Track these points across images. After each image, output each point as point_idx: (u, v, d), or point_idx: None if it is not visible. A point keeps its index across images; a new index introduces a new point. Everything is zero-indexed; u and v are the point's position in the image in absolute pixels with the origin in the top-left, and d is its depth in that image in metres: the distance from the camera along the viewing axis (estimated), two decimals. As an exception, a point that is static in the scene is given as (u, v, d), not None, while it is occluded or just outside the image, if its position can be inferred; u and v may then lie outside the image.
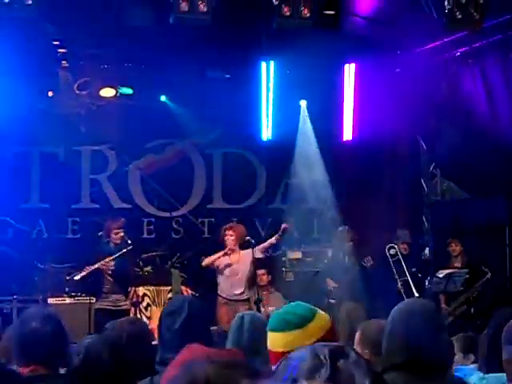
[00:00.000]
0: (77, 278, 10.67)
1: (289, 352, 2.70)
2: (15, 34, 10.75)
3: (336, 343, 2.24)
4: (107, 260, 10.58)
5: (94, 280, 10.73)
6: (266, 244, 11.23)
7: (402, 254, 11.51)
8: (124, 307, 10.86)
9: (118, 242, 10.77)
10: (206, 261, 11.28)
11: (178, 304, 4.21)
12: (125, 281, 11.01)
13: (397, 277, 11.30)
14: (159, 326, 4.24)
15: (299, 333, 3.08)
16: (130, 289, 11.67)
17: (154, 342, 4.78)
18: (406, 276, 11.27)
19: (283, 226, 11.22)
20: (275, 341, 3.13)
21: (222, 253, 11.07)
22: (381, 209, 12.95)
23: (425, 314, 3.44)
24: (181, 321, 3.99)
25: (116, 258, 10.58)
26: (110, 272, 10.65)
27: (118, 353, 4.14)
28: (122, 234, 10.82)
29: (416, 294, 10.92)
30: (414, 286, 11.14)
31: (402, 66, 12.36)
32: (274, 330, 3.15)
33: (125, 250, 10.68)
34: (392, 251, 11.47)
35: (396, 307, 3.51)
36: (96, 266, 10.56)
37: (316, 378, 1.40)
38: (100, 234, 11.40)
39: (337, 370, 1.40)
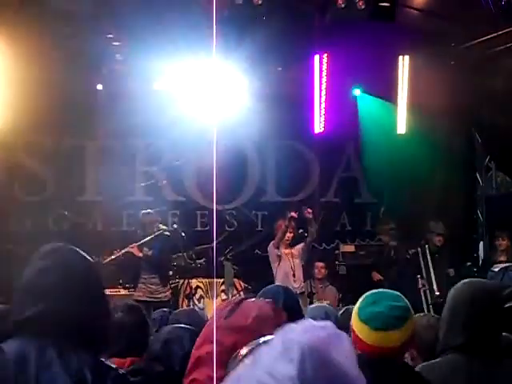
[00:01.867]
0: (105, 261, 10.80)
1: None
2: (72, 28, 10.90)
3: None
4: (134, 245, 10.74)
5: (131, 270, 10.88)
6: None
7: (436, 246, 11.30)
8: (163, 299, 10.93)
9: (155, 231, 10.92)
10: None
11: (273, 292, 4.22)
12: (161, 269, 11.06)
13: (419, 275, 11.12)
14: None
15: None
16: (182, 281, 11.77)
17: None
18: (430, 273, 11.04)
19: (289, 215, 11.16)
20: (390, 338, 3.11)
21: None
22: (434, 202, 12.87)
23: (489, 295, 3.41)
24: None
25: (145, 243, 10.74)
26: (146, 259, 10.79)
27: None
28: (158, 225, 10.96)
29: (436, 293, 10.79)
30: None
31: (456, 58, 12.22)
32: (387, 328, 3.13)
33: (153, 236, 10.82)
34: (423, 248, 11.28)
35: (457, 287, 3.48)
36: (124, 250, 10.69)
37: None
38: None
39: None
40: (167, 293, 11.08)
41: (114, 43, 11.64)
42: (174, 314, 5.65)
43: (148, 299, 10.65)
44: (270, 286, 4.27)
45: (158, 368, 3.81)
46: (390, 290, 3.34)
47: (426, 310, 10.54)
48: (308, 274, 11.60)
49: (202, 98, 11.80)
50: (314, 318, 1.71)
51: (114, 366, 2.61)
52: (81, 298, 2.55)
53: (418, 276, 11.02)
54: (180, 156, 13.21)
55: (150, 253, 10.79)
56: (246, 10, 9.81)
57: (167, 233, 11.15)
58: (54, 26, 10.72)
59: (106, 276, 11.97)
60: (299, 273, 11.21)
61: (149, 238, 10.80)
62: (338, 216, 13.88)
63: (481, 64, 11.94)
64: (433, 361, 3.49)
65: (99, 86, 12.29)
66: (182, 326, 4.39)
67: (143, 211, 11.32)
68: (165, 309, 6.18)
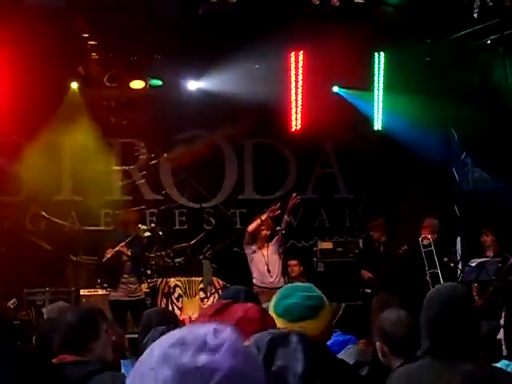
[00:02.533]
0: (104, 259, 10.73)
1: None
2: (46, 25, 10.85)
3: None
4: (123, 244, 10.68)
5: (112, 271, 10.85)
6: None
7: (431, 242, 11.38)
8: (141, 297, 10.98)
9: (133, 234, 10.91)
10: (250, 227, 11.30)
11: (234, 292, 4.24)
12: (139, 268, 11.08)
13: (427, 268, 11.19)
14: None
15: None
16: (160, 279, 11.76)
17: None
18: (436, 267, 11.13)
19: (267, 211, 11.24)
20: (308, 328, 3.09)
21: (259, 220, 11.11)
22: (412, 198, 12.93)
23: (452, 298, 3.42)
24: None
25: (129, 242, 10.70)
26: (127, 258, 10.76)
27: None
28: (140, 225, 10.98)
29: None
30: (445, 276, 11.03)
31: (431, 54, 12.26)
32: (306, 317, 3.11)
33: (134, 236, 10.83)
34: (425, 241, 11.34)
35: (430, 292, 3.52)
36: (117, 248, 10.65)
37: None
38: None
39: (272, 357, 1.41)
40: (142, 291, 11.11)
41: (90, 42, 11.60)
42: (146, 315, 5.65)
43: (128, 299, 10.72)
44: (232, 287, 4.31)
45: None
46: (302, 283, 3.37)
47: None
48: (285, 270, 11.61)
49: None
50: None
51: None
52: None
53: (426, 269, 11.05)
54: (157, 154, 13.20)
55: (129, 252, 10.76)
56: (220, 7, 9.77)
57: (147, 233, 11.14)
58: (28, 23, 10.66)
59: (85, 276, 12.02)
60: (275, 267, 11.23)
61: (130, 237, 10.76)
62: (316, 213, 13.91)
63: (456, 60, 11.99)
64: (408, 365, 3.51)
65: (73, 84, 12.19)
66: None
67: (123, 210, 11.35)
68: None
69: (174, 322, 5.30)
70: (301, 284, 3.36)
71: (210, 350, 1.31)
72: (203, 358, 1.30)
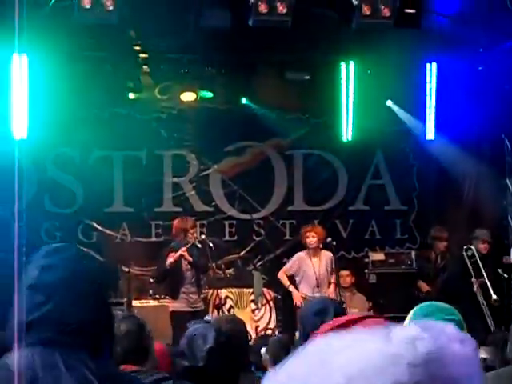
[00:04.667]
0: (168, 263, 10.65)
1: None
2: (98, 39, 10.97)
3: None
4: (184, 249, 10.60)
5: (173, 281, 10.80)
6: None
7: (481, 253, 11.17)
8: (200, 308, 10.93)
9: (193, 241, 10.84)
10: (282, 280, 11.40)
11: (324, 304, 4.21)
12: (199, 275, 11.00)
13: (474, 279, 10.98)
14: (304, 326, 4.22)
15: None
16: (211, 291, 11.76)
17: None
18: (483, 277, 10.92)
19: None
20: None
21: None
22: (464, 209, 12.79)
23: None
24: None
25: (189, 248, 10.64)
26: (187, 266, 10.70)
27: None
28: (195, 233, 10.89)
29: (494, 296, 10.67)
30: (495, 287, 10.83)
31: (484, 63, 12.13)
32: None
33: (200, 239, 10.78)
34: (469, 252, 11.15)
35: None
36: (179, 252, 10.57)
37: None
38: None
39: None
40: (201, 302, 11.08)
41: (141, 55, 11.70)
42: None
43: (189, 309, 10.66)
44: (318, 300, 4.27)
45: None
46: (441, 303, 3.27)
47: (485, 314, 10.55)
48: (335, 282, 11.53)
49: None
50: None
51: (123, 370, 2.51)
52: (87, 300, 2.35)
53: (473, 279, 10.88)
54: (207, 166, 13.28)
55: (190, 258, 10.73)
56: (270, 18, 9.78)
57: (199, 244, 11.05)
58: (80, 38, 10.80)
59: (137, 287, 12.07)
60: (324, 282, 11.19)
61: (189, 244, 10.72)
62: (367, 224, 13.81)
63: (509, 69, 11.84)
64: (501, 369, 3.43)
65: (131, 96, 12.30)
66: (208, 323, 4.41)
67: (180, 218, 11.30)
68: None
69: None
70: (441, 304, 3.28)
71: None
72: None
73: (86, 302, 2.33)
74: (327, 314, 3.98)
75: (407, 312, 3.29)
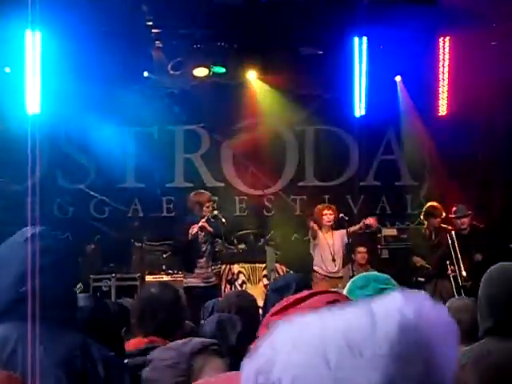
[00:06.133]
0: (191, 235, 10.43)
1: None
2: (110, 15, 10.94)
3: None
4: (204, 220, 10.42)
5: (189, 254, 10.74)
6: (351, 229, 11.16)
7: (461, 229, 11.07)
8: (214, 282, 10.86)
9: (209, 214, 10.71)
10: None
11: (286, 280, 4.26)
12: (215, 252, 10.94)
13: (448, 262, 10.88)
14: (265, 303, 4.29)
15: None
16: (224, 266, 11.78)
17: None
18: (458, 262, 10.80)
19: (368, 222, 11.09)
20: None
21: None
22: (476, 186, 12.79)
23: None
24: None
25: (207, 220, 10.51)
26: (203, 240, 10.56)
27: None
28: (211, 207, 10.79)
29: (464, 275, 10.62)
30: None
31: (498, 38, 12.08)
32: None
33: (216, 213, 10.64)
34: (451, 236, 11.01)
35: (488, 271, 3.42)
36: (200, 224, 10.38)
37: None
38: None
39: None
40: (215, 277, 11.03)
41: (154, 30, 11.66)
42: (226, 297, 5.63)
43: (204, 284, 10.54)
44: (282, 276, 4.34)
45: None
46: (376, 273, 3.31)
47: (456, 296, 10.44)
48: (348, 257, 11.53)
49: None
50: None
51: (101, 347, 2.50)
52: (69, 278, 2.48)
53: (448, 262, 10.83)
54: (219, 142, 13.30)
55: (210, 229, 10.56)
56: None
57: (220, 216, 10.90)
58: (92, 13, 10.77)
59: (150, 263, 12.12)
60: (339, 257, 11.21)
61: (207, 216, 10.62)
62: (378, 199, 13.83)
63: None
64: (469, 346, 3.44)
65: (145, 73, 12.26)
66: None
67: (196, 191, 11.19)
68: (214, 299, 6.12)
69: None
70: (377, 274, 3.33)
71: None
72: None
73: (69, 279, 2.39)
74: (288, 291, 4.04)
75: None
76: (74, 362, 2.35)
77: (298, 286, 4.14)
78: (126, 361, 3.30)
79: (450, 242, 10.72)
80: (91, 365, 2.36)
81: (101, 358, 2.43)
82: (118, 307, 5.25)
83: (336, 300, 2.22)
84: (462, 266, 10.57)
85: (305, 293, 2.27)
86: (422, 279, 11.13)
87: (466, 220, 11.00)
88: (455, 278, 10.62)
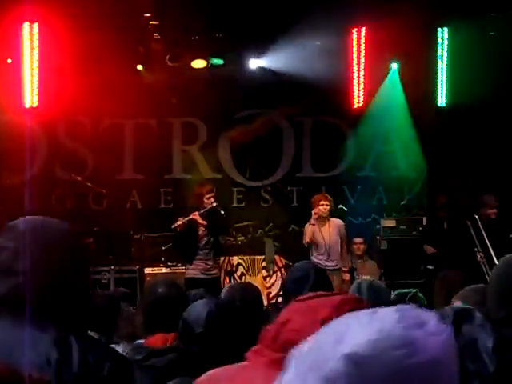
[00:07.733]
0: (173, 226, 10.57)
1: None
2: (108, 6, 10.91)
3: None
4: (196, 213, 10.48)
5: (189, 246, 10.73)
6: None
7: (488, 220, 11.14)
8: (215, 275, 10.87)
9: (210, 206, 10.71)
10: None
11: (303, 271, 4.26)
12: (215, 244, 10.84)
13: (477, 248, 10.91)
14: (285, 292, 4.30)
15: None
16: (223, 258, 11.79)
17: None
18: (487, 247, 10.85)
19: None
20: None
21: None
22: (473, 176, 12.80)
23: None
24: (308, 287, 3.99)
25: (204, 213, 10.53)
26: (203, 230, 10.58)
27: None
28: (212, 198, 10.80)
29: (497, 262, 10.62)
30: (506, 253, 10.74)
31: (496, 28, 12.09)
32: None
33: (215, 205, 10.64)
34: (473, 221, 11.07)
35: (501, 260, 3.41)
36: (190, 217, 10.45)
37: None
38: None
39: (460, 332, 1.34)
40: (217, 269, 11.04)
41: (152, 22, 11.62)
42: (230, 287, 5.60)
43: (205, 276, 10.49)
44: (298, 265, 4.36)
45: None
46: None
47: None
48: (346, 250, 11.52)
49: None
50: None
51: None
52: (61, 272, 2.32)
53: (475, 249, 10.88)
54: (217, 133, 13.28)
55: (204, 222, 10.57)
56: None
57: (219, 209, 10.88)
58: (90, 4, 10.74)
59: (149, 255, 12.11)
60: (335, 252, 11.17)
61: (206, 208, 10.61)
62: (374, 190, 13.84)
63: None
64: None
65: (139, 66, 12.23)
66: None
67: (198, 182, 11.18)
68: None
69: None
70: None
71: None
72: None
73: (60, 273, 2.32)
74: (307, 282, 4.06)
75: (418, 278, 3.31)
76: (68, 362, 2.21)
77: (317, 275, 4.14)
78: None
79: (472, 229, 10.78)
80: (91, 365, 2.26)
81: (105, 358, 2.29)
82: (107, 298, 5.33)
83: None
84: (491, 251, 10.61)
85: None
86: (431, 267, 11.20)
87: (495, 210, 11.10)
88: (485, 265, 10.65)
